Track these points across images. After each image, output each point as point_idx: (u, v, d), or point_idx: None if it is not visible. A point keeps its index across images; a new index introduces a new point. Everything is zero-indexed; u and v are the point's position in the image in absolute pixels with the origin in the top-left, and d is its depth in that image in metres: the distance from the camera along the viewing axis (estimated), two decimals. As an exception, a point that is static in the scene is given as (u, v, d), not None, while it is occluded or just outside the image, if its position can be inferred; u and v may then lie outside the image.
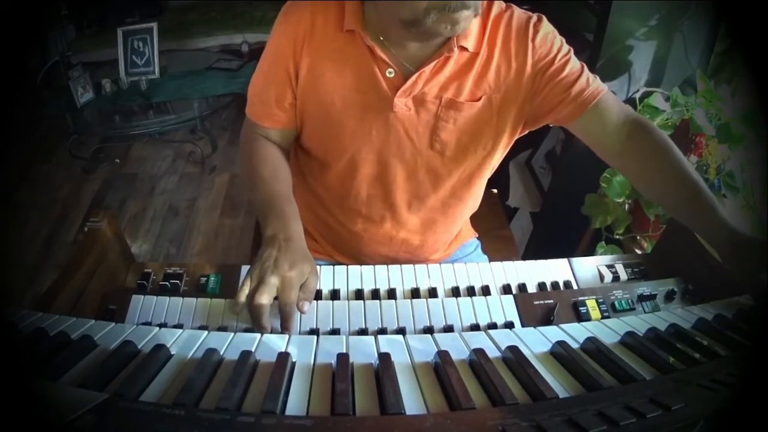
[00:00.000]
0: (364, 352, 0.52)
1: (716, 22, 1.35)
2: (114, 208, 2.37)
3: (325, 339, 0.54)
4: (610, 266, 0.82)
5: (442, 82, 0.79)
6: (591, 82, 0.80)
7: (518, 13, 0.81)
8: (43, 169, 2.65)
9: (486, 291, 0.76)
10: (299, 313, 0.65)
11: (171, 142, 2.78)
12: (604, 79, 0.83)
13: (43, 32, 2.89)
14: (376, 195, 0.89)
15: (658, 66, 1.40)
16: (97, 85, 2.47)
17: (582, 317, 0.69)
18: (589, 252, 1.47)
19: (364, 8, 0.77)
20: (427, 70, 0.77)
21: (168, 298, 0.68)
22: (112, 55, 2.62)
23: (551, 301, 0.71)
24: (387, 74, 0.78)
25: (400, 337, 0.55)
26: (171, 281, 0.74)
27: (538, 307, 0.70)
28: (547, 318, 0.69)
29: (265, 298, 0.62)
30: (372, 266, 0.78)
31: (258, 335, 0.54)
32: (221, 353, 0.51)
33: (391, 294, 0.75)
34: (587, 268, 0.81)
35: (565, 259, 0.82)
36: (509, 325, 0.67)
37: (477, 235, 1.13)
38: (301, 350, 0.51)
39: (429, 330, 0.65)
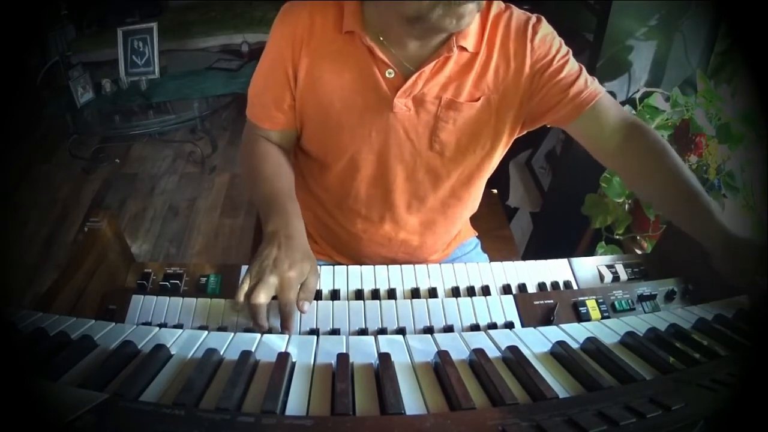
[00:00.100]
0: (364, 352, 0.52)
1: (716, 22, 1.35)
2: (114, 208, 2.37)
3: (325, 339, 0.54)
4: (610, 266, 0.82)
5: (441, 82, 0.79)
6: (589, 84, 0.80)
7: (517, 13, 0.81)
8: (43, 169, 2.65)
9: (486, 291, 0.76)
10: (299, 312, 0.65)
11: (171, 142, 2.78)
12: (604, 79, 0.83)
13: (43, 32, 2.89)
14: (375, 195, 0.90)
15: (658, 66, 1.40)
16: (97, 85, 2.47)
17: (582, 317, 0.69)
18: (589, 252, 1.47)
19: (363, 9, 0.77)
20: (427, 70, 0.77)
21: (168, 298, 0.68)
22: (112, 55, 2.62)
23: (551, 301, 0.71)
24: (387, 75, 0.78)
25: (400, 337, 0.55)
26: (171, 281, 0.74)
27: (538, 307, 0.70)
28: (547, 318, 0.69)
29: (262, 298, 0.62)
30: (372, 266, 0.78)
31: (258, 335, 0.54)
32: (221, 353, 0.51)
33: (391, 294, 0.75)
34: (587, 268, 0.81)
35: (565, 259, 0.82)
36: (509, 325, 0.67)
37: (476, 234, 1.13)
38: (301, 350, 0.51)
39: (429, 330, 0.65)
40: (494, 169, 0.92)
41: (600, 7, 1.33)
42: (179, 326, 0.65)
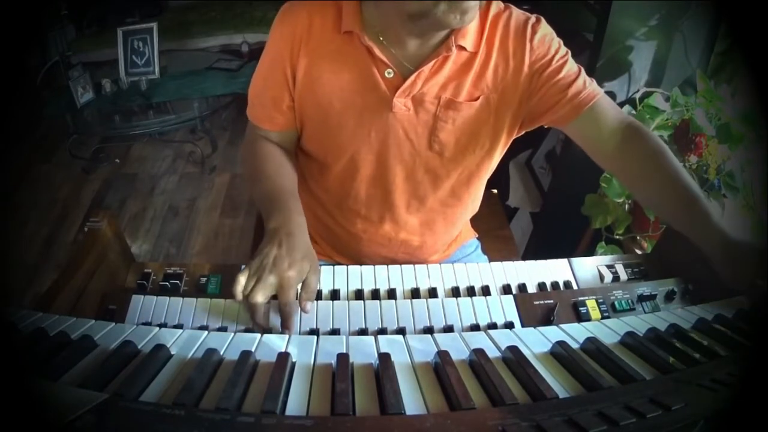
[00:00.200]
0: (364, 352, 0.52)
1: (716, 22, 1.35)
2: (114, 208, 2.37)
3: (325, 339, 0.54)
4: (610, 266, 0.82)
5: (441, 82, 0.79)
6: (588, 85, 0.80)
7: (516, 13, 0.81)
8: (43, 169, 2.65)
9: (486, 291, 0.76)
10: (299, 312, 0.65)
11: (171, 142, 2.78)
12: (604, 79, 0.83)
13: (43, 32, 2.88)
14: (375, 195, 0.89)
15: (658, 66, 1.40)
16: (97, 85, 2.47)
17: (582, 317, 0.69)
18: (589, 252, 1.47)
19: (362, 8, 0.77)
20: (426, 69, 0.77)
21: (168, 298, 0.68)
22: (112, 55, 2.62)
23: (551, 301, 0.71)
24: (386, 74, 0.78)
25: (400, 337, 0.55)
26: (171, 281, 0.74)
27: (538, 307, 0.70)
28: (547, 318, 0.69)
29: (260, 297, 0.62)
30: (372, 266, 0.78)
31: (258, 335, 0.54)
32: (221, 353, 0.51)
33: (391, 294, 0.75)
34: (587, 268, 0.81)
35: (565, 259, 0.82)
36: (509, 325, 0.67)
37: (477, 236, 1.13)
38: (301, 350, 0.51)
39: (429, 330, 0.65)
40: (494, 169, 0.92)
41: (600, 7, 1.33)
42: (179, 326, 0.65)
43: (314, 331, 0.65)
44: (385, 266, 0.79)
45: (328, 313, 0.67)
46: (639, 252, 1.30)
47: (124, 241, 0.79)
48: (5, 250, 2.16)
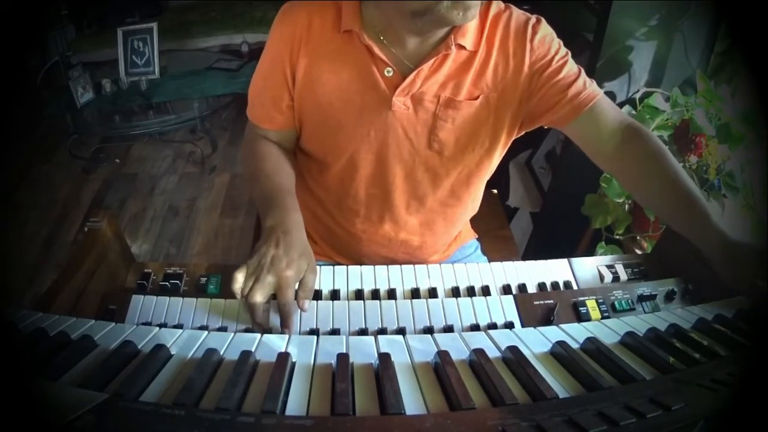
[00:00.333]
0: (364, 352, 0.52)
1: (716, 22, 1.35)
2: (114, 208, 2.37)
3: (325, 339, 0.54)
4: (610, 266, 0.81)
5: (440, 80, 0.79)
6: (588, 86, 0.80)
7: (517, 13, 0.81)
8: (43, 169, 2.65)
9: (486, 291, 0.76)
10: (299, 312, 0.65)
11: (171, 142, 2.78)
12: (604, 79, 0.83)
13: (43, 32, 2.89)
14: (374, 195, 0.89)
15: (658, 66, 1.40)
16: (97, 85, 2.47)
17: (582, 317, 0.69)
18: (589, 252, 1.47)
19: (361, 8, 0.77)
20: (426, 67, 0.77)
21: (168, 298, 0.68)
22: (112, 55, 2.62)
23: (551, 301, 0.71)
24: (385, 73, 0.78)
25: (400, 337, 0.55)
26: (171, 281, 0.74)
27: (538, 307, 0.70)
28: (547, 318, 0.69)
29: (258, 296, 0.62)
30: (372, 266, 0.78)
31: (258, 335, 0.54)
32: (221, 353, 0.51)
33: (391, 294, 0.75)
34: (587, 269, 0.81)
35: (565, 260, 0.82)
36: (509, 325, 0.67)
37: (477, 236, 1.13)
38: (301, 350, 0.51)
39: (429, 330, 0.65)
40: (494, 169, 0.92)
41: (600, 7, 1.33)
42: (179, 326, 0.65)
43: (314, 331, 0.65)
44: (385, 266, 0.79)
45: (328, 313, 0.67)
46: (639, 252, 1.30)
47: (124, 241, 0.79)
48: (5, 250, 2.16)
